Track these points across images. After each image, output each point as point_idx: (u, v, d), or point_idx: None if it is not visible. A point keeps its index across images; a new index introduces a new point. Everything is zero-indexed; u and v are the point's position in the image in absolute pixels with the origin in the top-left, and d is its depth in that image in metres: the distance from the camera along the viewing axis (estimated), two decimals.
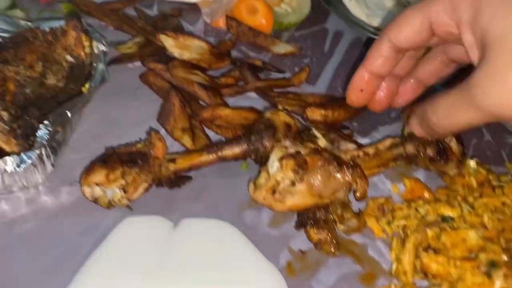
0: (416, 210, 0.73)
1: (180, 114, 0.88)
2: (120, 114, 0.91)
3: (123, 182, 0.72)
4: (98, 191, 0.73)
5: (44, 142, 0.69)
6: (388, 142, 0.80)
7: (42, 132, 0.69)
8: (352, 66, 1.07)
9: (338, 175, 0.71)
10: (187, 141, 0.86)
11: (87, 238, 0.71)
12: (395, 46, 0.64)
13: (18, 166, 0.66)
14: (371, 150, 0.78)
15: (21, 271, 0.67)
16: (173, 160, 0.76)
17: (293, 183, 0.70)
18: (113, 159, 0.73)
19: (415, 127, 0.69)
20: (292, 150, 0.73)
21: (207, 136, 0.88)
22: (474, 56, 0.56)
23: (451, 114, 0.58)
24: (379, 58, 0.66)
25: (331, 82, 1.03)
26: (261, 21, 1.14)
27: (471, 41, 0.55)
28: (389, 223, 0.74)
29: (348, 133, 0.89)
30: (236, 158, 0.79)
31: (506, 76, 0.50)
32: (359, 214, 0.70)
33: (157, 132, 0.74)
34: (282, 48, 1.10)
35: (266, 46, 1.10)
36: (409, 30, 0.61)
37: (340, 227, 0.70)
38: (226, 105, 0.92)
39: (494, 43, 0.51)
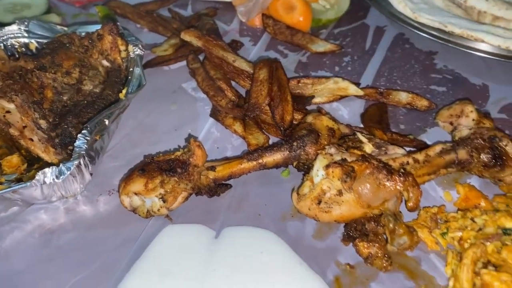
0: (473, 220, 0.68)
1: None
2: (157, 120, 0.89)
3: (162, 191, 0.69)
4: (136, 200, 0.71)
5: (83, 152, 0.67)
6: (438, 147, 0.74)
7: (81, 142, 0.68)
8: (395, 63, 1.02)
9: (389, 184, 0.66)
10: (238, 127, 0.86)
11: (126, 249, 0.69)
12: None
13: (57, 177, 0.65)
14: (421, 157, 0.73)
15: (61, 284, 0.65)
16: (212, 168, 0.73)
17: (340, 193, 0.67)
18: (152, 167, 0.71)
19: None
20: (338, 157, 0.69)
21: (259, 126, 0.86)
22: None
23: None
24: None
25: (374, 81, 0.98)
26: (298, 18, 1.10)
27: None
28: (443, 235, 0.69)
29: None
30: (277, 165, 0.76)
31: None
32: (412, 231, 0.65)
33: (196, 139, 0.71)
34: (321, 46, 1.05)
35: (304, 45, 1.06)
36: None
37: (389, 248, 0.65)
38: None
39: None
